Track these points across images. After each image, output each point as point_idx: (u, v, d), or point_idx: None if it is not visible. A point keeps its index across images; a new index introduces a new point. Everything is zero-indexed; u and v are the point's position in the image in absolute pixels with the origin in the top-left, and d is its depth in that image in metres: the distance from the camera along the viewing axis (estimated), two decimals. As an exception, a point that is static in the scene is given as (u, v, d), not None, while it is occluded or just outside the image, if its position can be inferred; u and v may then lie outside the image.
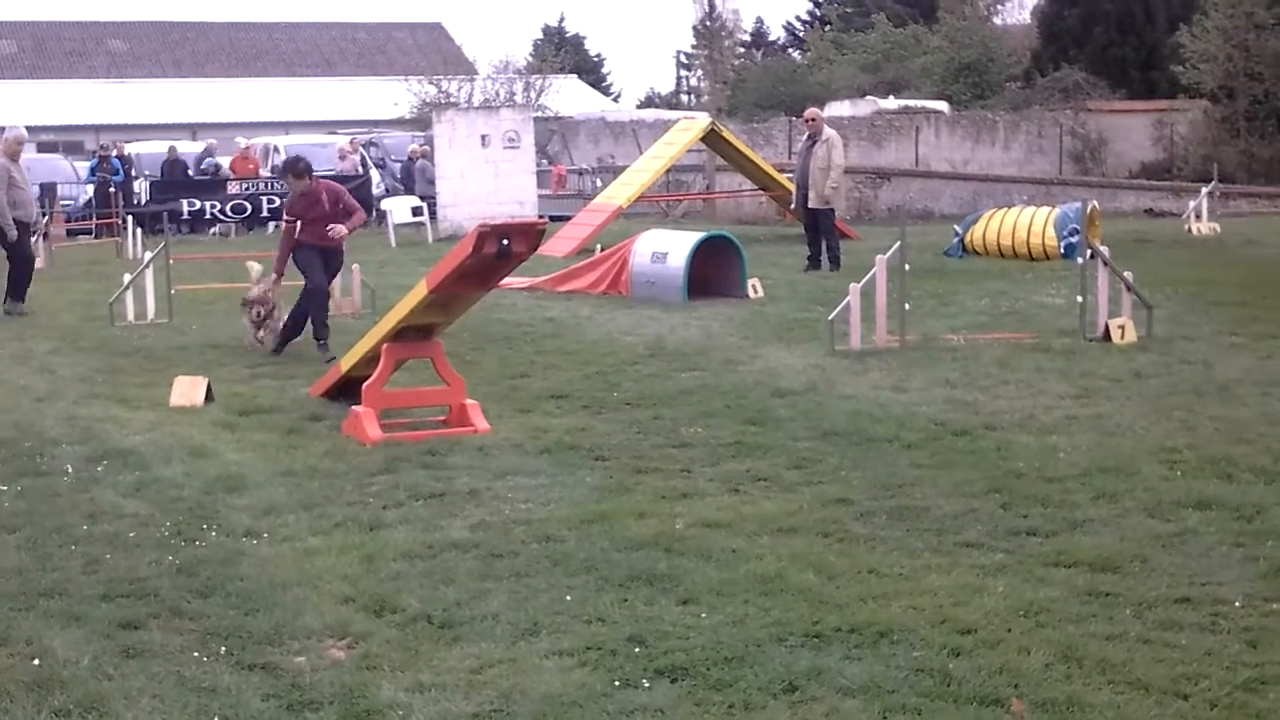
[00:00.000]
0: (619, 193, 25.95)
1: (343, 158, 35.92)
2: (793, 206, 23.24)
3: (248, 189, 33.20)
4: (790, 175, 24.17)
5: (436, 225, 29.06)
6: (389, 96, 51.50)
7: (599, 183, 35.33)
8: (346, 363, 11.24)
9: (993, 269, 20.33)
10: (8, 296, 18.14)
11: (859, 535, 7.67)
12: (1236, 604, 6.44)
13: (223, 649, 6.11)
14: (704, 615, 6.36)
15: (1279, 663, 5.72)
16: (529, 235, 10.00)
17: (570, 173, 45.70)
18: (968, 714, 5.27)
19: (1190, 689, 5.49)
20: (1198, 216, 26.31)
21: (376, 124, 50.81)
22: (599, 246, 21.26)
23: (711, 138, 27.47)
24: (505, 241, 9.74)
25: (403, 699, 5.51)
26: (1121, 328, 13.56)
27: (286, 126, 55.61)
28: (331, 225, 14.07)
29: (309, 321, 14.25)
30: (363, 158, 37.42)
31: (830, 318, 13.72)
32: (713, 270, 18.02)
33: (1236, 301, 16.06)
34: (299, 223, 14.12)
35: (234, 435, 10.42)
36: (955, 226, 23.49)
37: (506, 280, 19.83)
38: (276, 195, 32.22)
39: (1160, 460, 9.13)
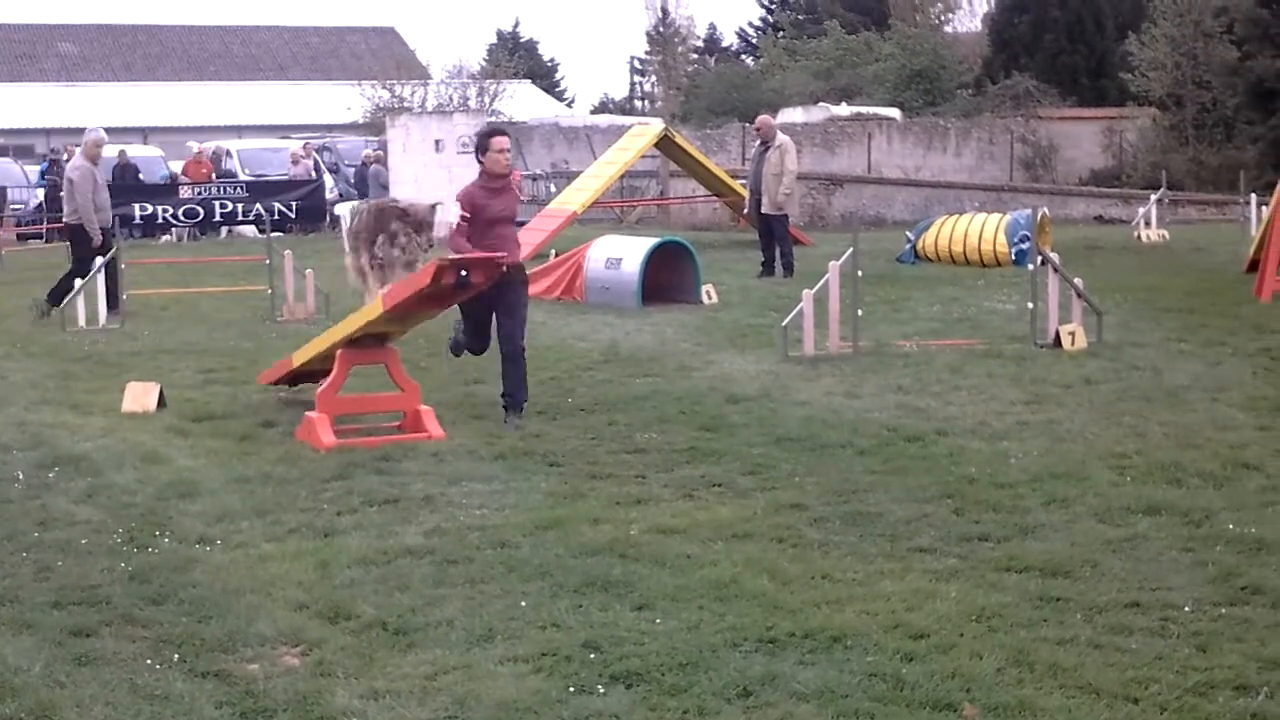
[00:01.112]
0: (573, 198, 25.93)
1: (296, 162, 35.80)
2: (746, 212, 23.30)
3: (200, 193, 33.04)
4: (744, 181, 24.24)
5: (390, 230, 28.97)
6: (342, 101, 51.28)
7: (553, 188, 35.26)
8: (299, 358, 11.24)
9: (945, 275, 20.44)
10: (55, 295, 17.32)
11: (813, 541, 7.71)
12: (1186, 609, 6.51)
13: (176, 656, 6.08)
14: (659, 621, 6.38)
15: (1228, 667, 5.79)
16: (487, 268, 10.06)
17: (524, 178, 45.63)
18: (920, 719, 5.30)
19: (1140, 693, 5.55)
20: (1147, 223, 26.54)
21: (330, 128, 50.61)
22: (553, 252, 21.23)
23: (665, 143, 27.50)
24: (464, 273, 9.82)
25: (357, 706, 5.51)
26: (1072, 334, 13.67)
27: (239, 130, 55.34)
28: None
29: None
30: (316, 163, 37.28)
31: (784, 324, 13.76)
32: (667, 276, 18.04)
33: (1185, 308, 16.21)
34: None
35: (187, 441, 10.37)
36: (908, 233, 23.62)
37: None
38: (229, 200, 32.08)
39: (1110, 466, 9.21)
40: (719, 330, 15.62)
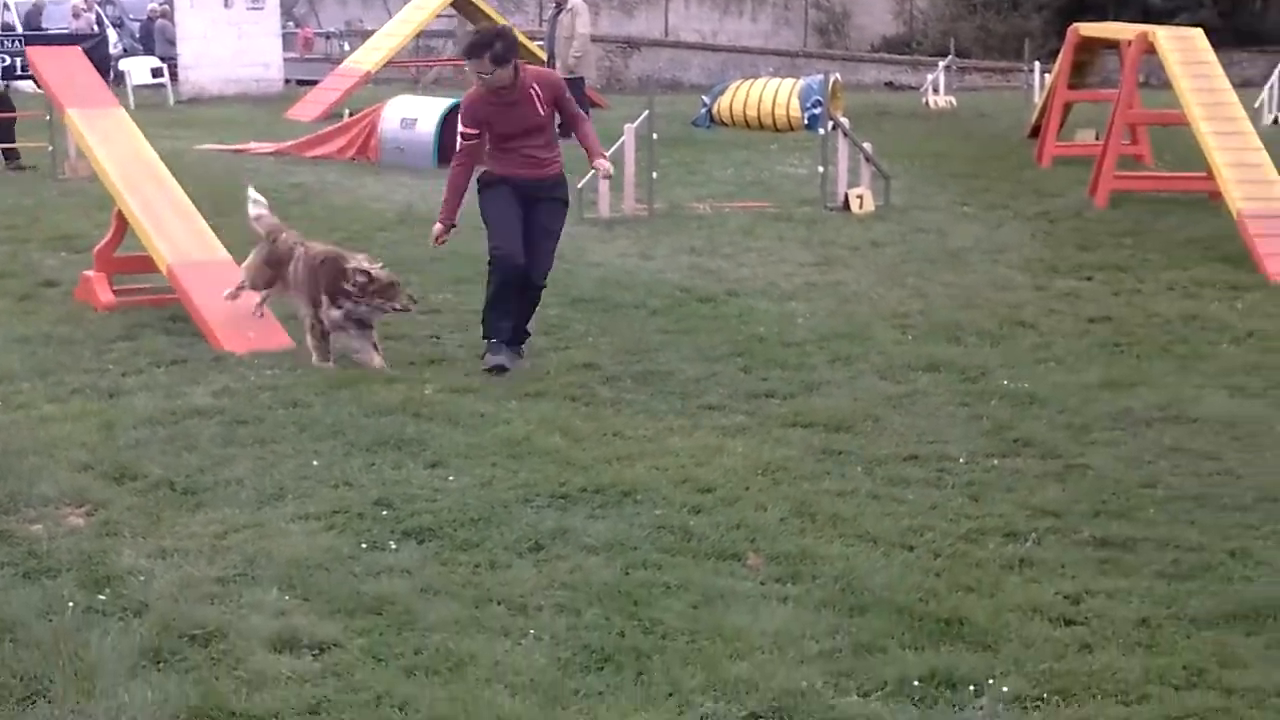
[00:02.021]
0: (367, 58, 25.41)
1: (77, 16, 34.34)
2: (543, 74, 23.09)
3: (-28, 46, 31.53)
4: (541, 43, 24.02)
5: (177, 87, 28.11)
6: (124, -49, 49.29)
7: (347, 47, 34.49)
8: None
9: (739, 139, 20.58)
10: None
11: (605, 399, 7.81)
12: (961, 460, 6.77)
13: (-46, 518, 5.95)
14: (451, 479, 6.42)
15: (998, 515, 6.05)
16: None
17: (317, 36, 44.53)
18: (706, 568, 5.45)
19: (916, 540, 5.78)
20: (935, 90, 26.99)
21: (112, -20, 48.63)
22: (347, 111, 20.86)
23: (462, 3, 27.05)
24: None
25: (144, 564, 5.46)
26: (860, 197, 13.93)
27: (14, -19, 52.84)
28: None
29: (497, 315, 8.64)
30: (99, 16, 35.85)
31: (579, 186, 13.74)
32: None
33: (969, 173, 16.60)
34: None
35: (-38, 302, 10.03)
36: (703, 97, 23.65)
37: (253, 145, 19.45)
38: (7, 54, 30.69)
39: (893, 325, 9.48)
40: (514, 192, 15.54)
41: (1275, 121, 21.85)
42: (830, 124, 14.64)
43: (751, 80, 23.58)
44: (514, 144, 8.52)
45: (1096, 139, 16.40)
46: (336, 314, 8.35)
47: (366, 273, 8.32)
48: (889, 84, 34.38)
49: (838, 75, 22.49)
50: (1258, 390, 7.99)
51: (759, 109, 21.94)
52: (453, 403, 7.63)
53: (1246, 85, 21.70)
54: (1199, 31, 14.50)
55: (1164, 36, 14.41)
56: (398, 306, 8.45)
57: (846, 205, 13.86)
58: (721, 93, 22.98)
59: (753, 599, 5.13)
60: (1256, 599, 5.11)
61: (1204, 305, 10.09)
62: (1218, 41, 14.39)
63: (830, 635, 4.84)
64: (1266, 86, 23.02)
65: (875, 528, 5.90)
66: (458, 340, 9.09)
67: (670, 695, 4.39)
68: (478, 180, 8.74)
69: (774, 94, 22.04)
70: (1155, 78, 19.47)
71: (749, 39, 41.36)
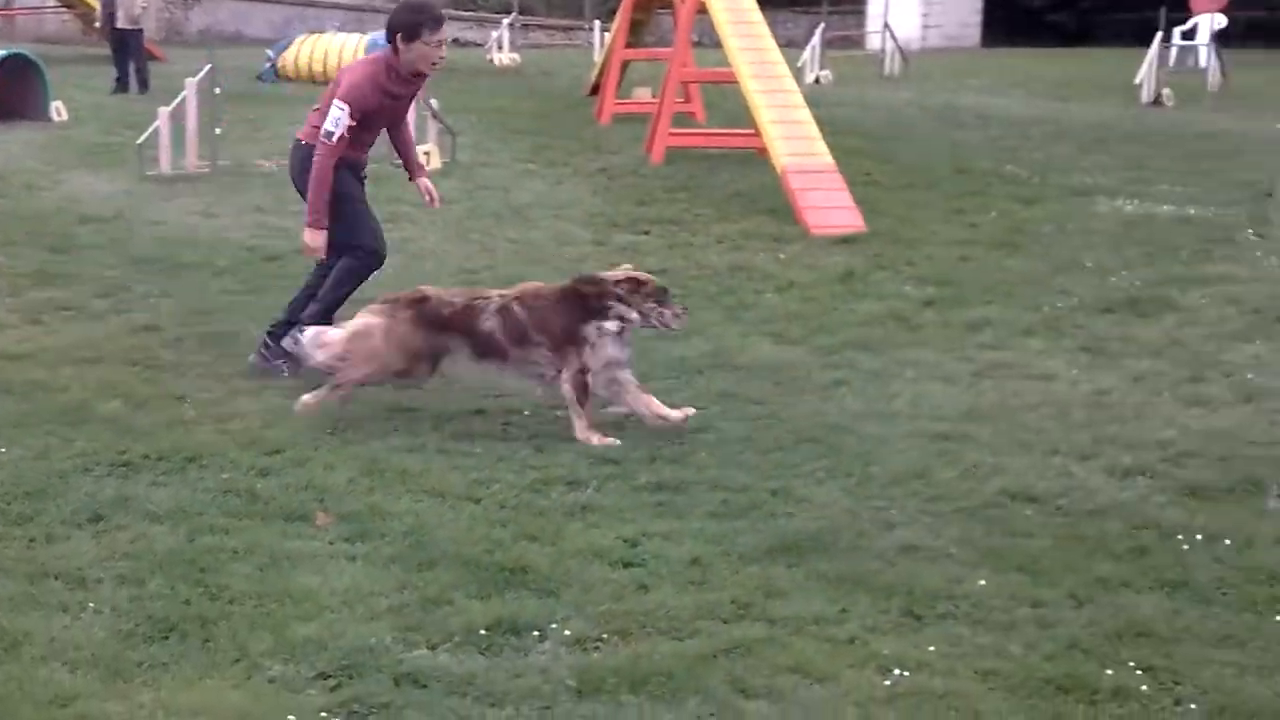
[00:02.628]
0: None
1: None
2: (98, 26, 22.16)
3: None
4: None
5: None
6: None
7: None
8: None
9: (306, 95, 20.20)
10: None
11: (168, 363, 7.65)
12: (526, 413, 6.96)
13: None
14: (3, 450, 6.18)
15: (562, 465, 6.26)
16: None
17: None
18: (274, 530, 5.44)
19: (482, 493, 5.91)
20: (500, 47, 27.27)
21: None
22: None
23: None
24: None
25: None
26: (427, 154, 13.98)
27: None
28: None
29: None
30: None
31: (139, 142, 13.33)
32: (11, 91, 17.03)
33: (533, 130, 16.89)
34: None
35: None
36: (268, 51, 23.21)
37: None
38: None
39: (461, 281, 9.60)
40: (69, 148, 14.93)
41: (818, 80, 23.08)
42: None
43: (318, 34, 23.28)
44: (373, 134, 7.65)
45: (653, 97, 16.93)
46: (613, 350, 6.73)
47: (633, 278, 6.86)
48: (455, 40, 34.47)
49: (403, 30, 22.46)
50: (798, 337, 8.51)
51: (325, 64, 21.71)
52: (3, 370, 7.32)
53: (790, 45, 22.80)
54: (749, -8, 15.09)
55: (715, -3, 14.95)
56: (677, 312, 6.93)
57: (413, 162, 13.90)
58: (287, 47, 22.61)
59: (321, 559, 5.16)
60: (797, 534, 5.48)
61: (750, 257, 10.63)
62: (763, 2, 15.06)
63: (399, 590, 4.92)
64: (809, 46, 24.27)
65: (443, 482, 6.01)
66: (8, 305, 8.72)
67: (237, 661, 4.39)
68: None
69: (340, 49, 21.85)
70: (708, 37, 20.20)
71: (312, -8, 40.64)
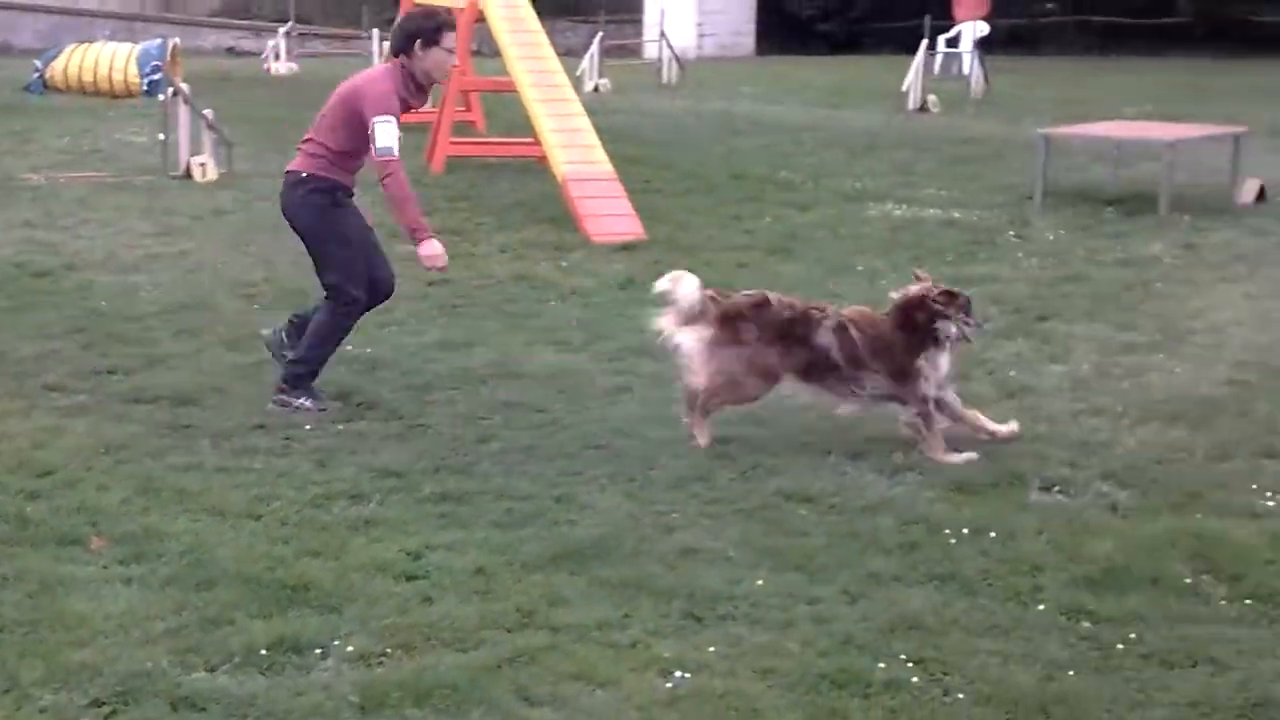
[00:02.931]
0: None
1: None
2: None
3: None
4: None
5: None
6: None
7: None
8: None
9: (75, 106, 19.76)
10: None
11: (-71, 385, 7.40)
12: (308, 427, 6.90)
13: None
14: None
15: (344, 479, 6.23)
16: None
17: None
18: (45, 555, 5.32)
19: (263, 510, 5.86)
20: (277, 56, 26.90)
21: None
22: None
23: None
24: None
25: None
26: (203, 165, 13.76)
27: None
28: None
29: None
30: None
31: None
32: None
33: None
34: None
35: None
36: (36, 61, 22.54)
37: None
38: None
39: (239, 295, 9.50)
40: None
41: (596, 89, 23.24)
42: (171, 90, 14.34)
43: (87, 44, 22.69)
44: (362, 159, 7.32)
45: (432, 106, 16.86)
46: (946, 368, 6.70)
47: (948, 292, 6.73)
48: (230, 49, 33.88)
49: (177, 40, 22.02)
50: (580, 345, 8.58)
51: (95, 74, 21.20)
52: None
53: (569, 54, 22.93)
54: (525, 1, 15.13)
55: (492, 6, 14.93)
56: (979, 323, 6.96)
57: (189, 173, 13.66)
58: (55, 56, 21.99)
59: (95, 583, 5.06)
60: (580, 540, 5.54)
61: (533, 265, 10.68)
62: (542, 10, 15.11)
63: (177, 612, 4.85)
64: (587, 55, 24.43)
65: (222, 500, 5.94)
66: None
67: (7, 691, 4.28)
68: (320, 190, 7.23)
69: (110, 59, 21.34)
70: (487, 46, 20.18)
71: (85, 0, 39.56)
